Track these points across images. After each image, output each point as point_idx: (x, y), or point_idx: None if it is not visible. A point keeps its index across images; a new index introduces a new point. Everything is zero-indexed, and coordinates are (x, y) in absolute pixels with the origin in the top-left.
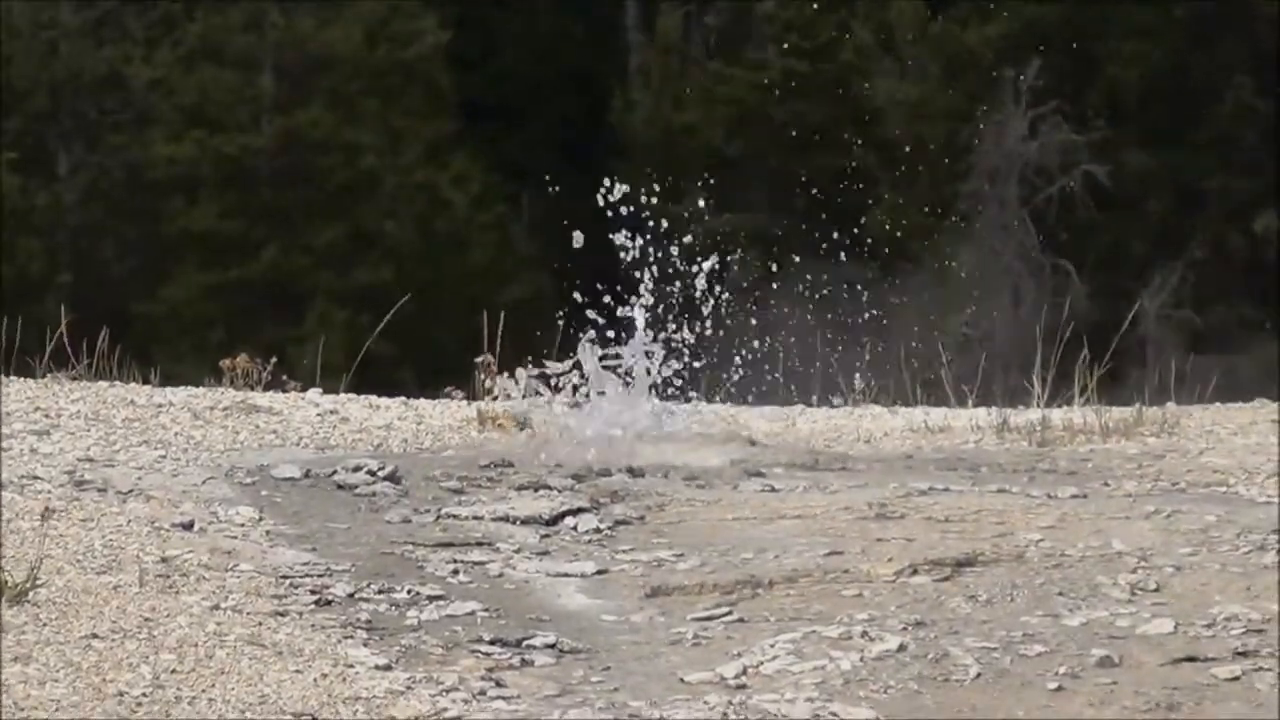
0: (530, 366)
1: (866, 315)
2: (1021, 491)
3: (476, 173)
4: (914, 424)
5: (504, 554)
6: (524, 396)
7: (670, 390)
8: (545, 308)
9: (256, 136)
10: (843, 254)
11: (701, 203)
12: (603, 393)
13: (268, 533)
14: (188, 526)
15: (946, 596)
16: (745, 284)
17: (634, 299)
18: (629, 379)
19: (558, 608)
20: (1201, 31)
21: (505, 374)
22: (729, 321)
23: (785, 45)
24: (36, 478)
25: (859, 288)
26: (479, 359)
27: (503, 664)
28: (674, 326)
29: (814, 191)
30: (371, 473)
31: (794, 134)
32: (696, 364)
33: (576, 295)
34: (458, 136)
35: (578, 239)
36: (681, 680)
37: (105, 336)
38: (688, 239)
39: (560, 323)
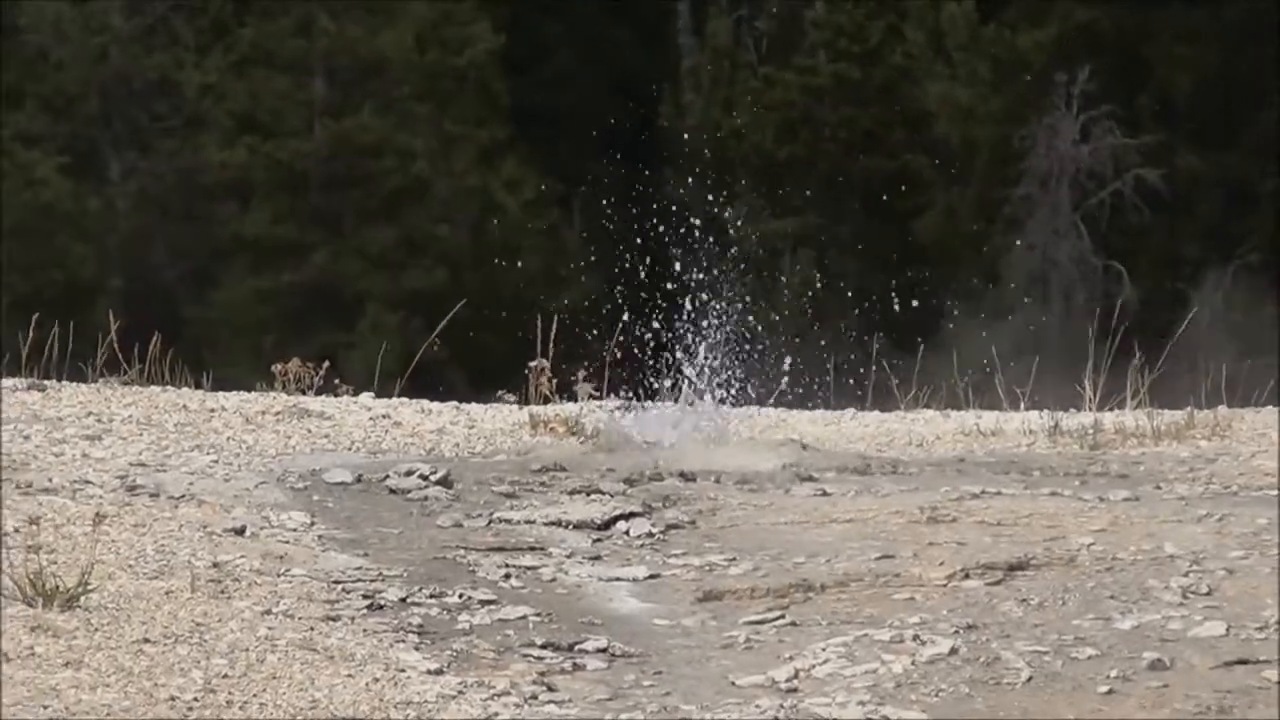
0: (583, 372)
1: (918, 318)
2: (1073, 495)
3: (528, 177)
4: (966, 427)
5: (556, 558)
6: (578, 401)
7: (722, 394)
8: (597, 313)
9: (308, 141)
10: (894, 257)
11: (752, 207)
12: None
13: (319, 537)
14: (239, 531)
15: (998, 600)
16: (796, 287)
17: (686, 303)
18: (681, 384)
19: (609, 612)
20: (1252, 35)
21: (556, 379)
22: (780, 325)
23: (836, 49)
24: (88, 482)
25: (910, 291)
26: (532, 363)
27: (554, 668)
28: (725, 330)
29: (865, 195)
30: (423, 477)
31: (845, 138)
32: (748, 368)
33: (623, 303)
34: (510, 141)
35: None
36: (733, 684)
37: (157, 341)
38: (739, 243)
39: (611, 327)
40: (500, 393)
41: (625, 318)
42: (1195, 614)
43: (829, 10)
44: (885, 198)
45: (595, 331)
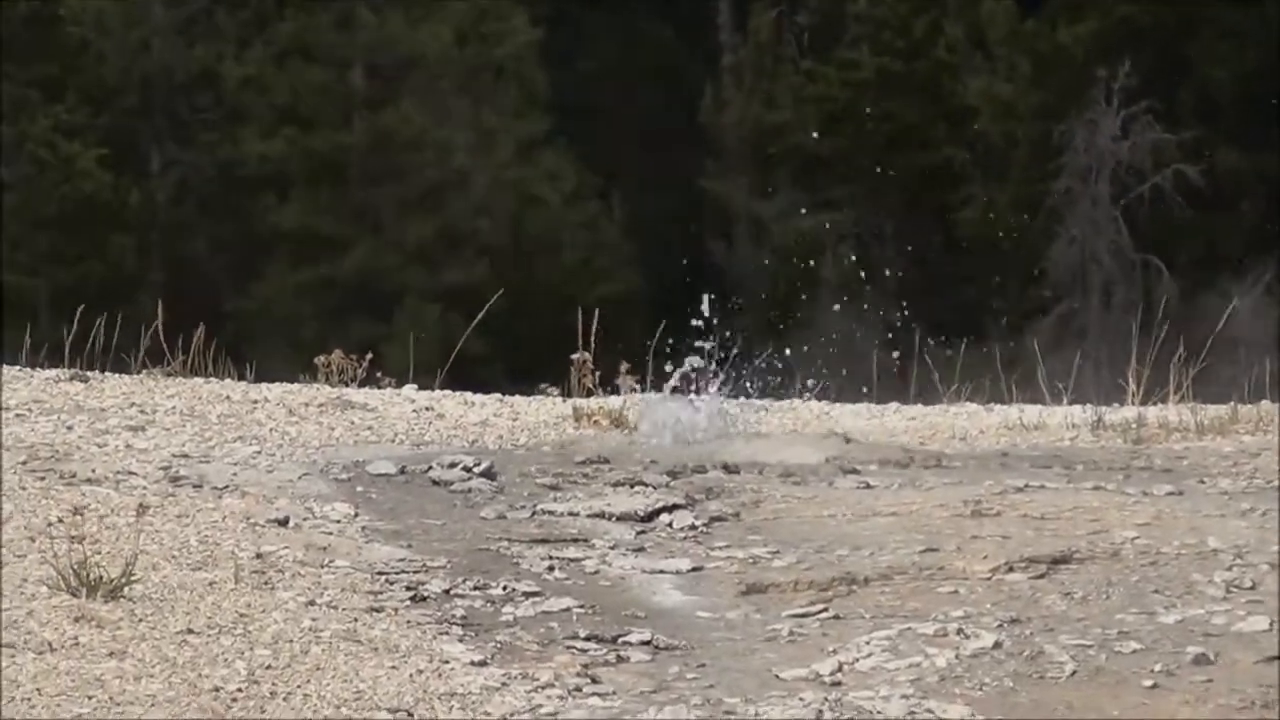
0: (625, 364)
1: (960, 312)
2: (1117, 489)
3: (567, 171)
4: (1009, 421)
5: (600, 550)
6: (620, 393)
7: (765, 387)
8: (637, 305)
9: (347, 134)
10: (935, 252)
11: (793, 201)
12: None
13: (363, 529)
14: (283, 522)
15: (1042, 594)
16: (838, 281)
17: (727, 297)
18: (724, 377)
19: (653, 604)
20: None
21: (599, 371)
22: (823, 319)
23: (878, 43)
24: (132, 473)
25: (952, 285)
26: (575, 355)
27: (598, 660)
28: (768, 324)
29: (906, 190)
30: (467, 469)
31: (886, 133)
32: (791, 361)
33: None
34: (548, 134)
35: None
36: (777, 677)
37: (201, 333)
38: (779, 238)
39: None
40: (543, 385)
41: (665, 311)
42: (1239, 609)
43: (871, 4)
44: (926, 192)
45: (634, 327)
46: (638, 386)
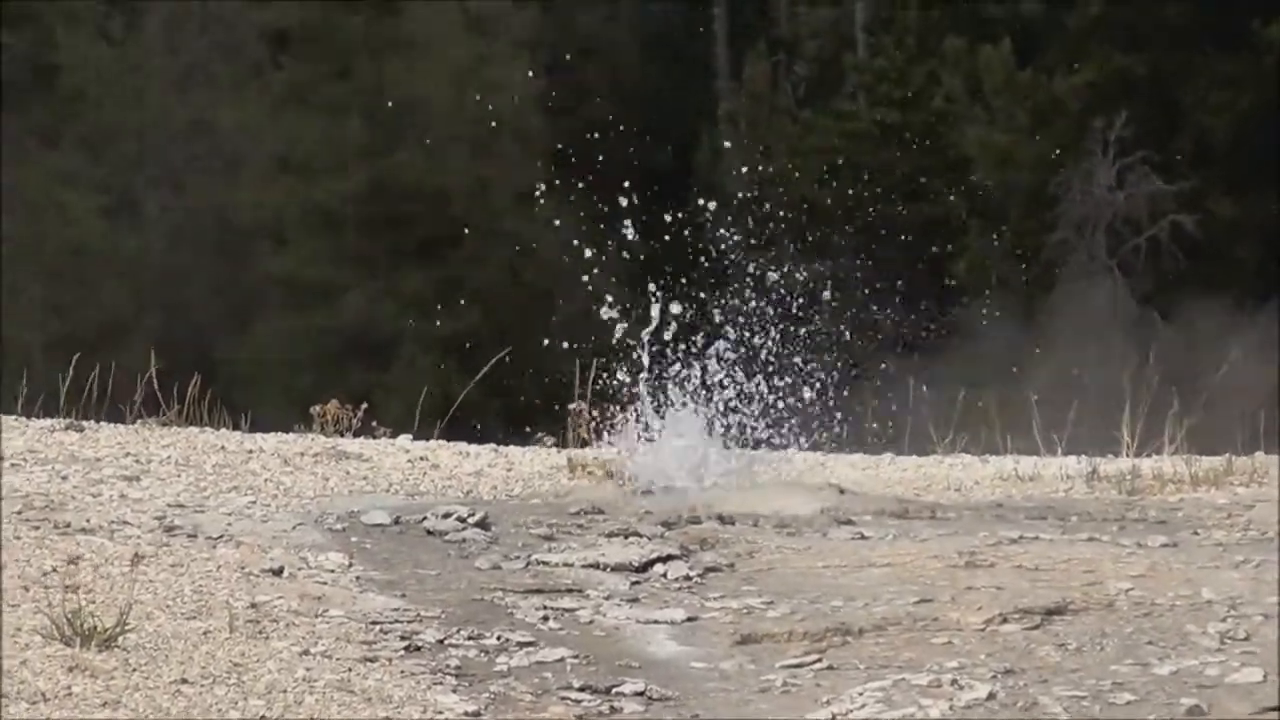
0: (621, 415)
1: (956, 363)
2: (1111, 540)
3: (564, 220)
4: (1004, 472)
5: (594, 601)
6: (615, 444)
7: (759, 438)
8: (632, 356)
9: (344, 182)
10: (931, 302)
11: (790, 252)
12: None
13: (357, 579)
14: (277, 572)
15: (1036, 645)
16: (833, 332)
17: (723, 347)
18: (718, 427)
19: (647, 655)
20: None
21: (595, 422)
22: (817, 369)
23: (876, 94)
24: (127, 523)
25: (947, 336)
26: (572, 406)
27: (592, 711)
28: (763, 374)
29: (903, 240)
30: (461, 519)
31: (884, 183)
32: (785, 412)
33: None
34: (546, 184)
35: None
36: None
37: (197, 382)
38: (775, 287)
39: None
40: (539, 435)
41: (654, 360)
42: (1233, 660)
43: (871, 55)
44: (922, 242)
45: (628, 377)
46: (631, 431)
